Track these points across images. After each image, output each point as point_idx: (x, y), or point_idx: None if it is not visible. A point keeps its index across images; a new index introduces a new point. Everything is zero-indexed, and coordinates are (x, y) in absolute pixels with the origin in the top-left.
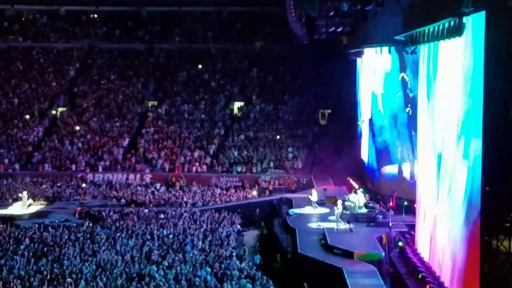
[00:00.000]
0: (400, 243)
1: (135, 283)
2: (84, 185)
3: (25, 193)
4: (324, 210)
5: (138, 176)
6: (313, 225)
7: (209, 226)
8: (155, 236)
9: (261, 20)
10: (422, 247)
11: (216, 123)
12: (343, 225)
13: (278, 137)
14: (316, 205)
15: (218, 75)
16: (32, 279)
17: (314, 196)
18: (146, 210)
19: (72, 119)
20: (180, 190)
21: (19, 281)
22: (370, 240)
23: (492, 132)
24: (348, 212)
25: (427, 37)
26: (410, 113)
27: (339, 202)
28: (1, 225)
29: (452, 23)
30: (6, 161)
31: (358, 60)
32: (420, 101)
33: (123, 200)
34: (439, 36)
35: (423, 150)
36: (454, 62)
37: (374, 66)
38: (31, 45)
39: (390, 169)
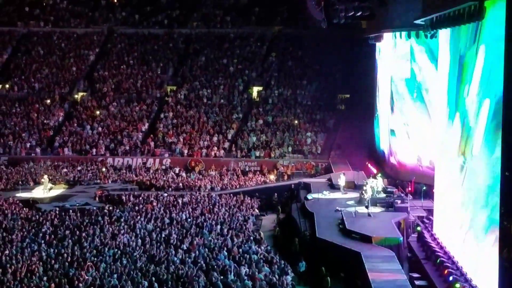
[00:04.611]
0: (418, 228)
1: (154, 266)
2: (104, 169)
3: (46, 176)
4: (353, 195)
5: (157, 160)
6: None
7: (227, 210)
8: (173, 220)
9: (279, 4)
10: (441, 232)
11: (235, 108)
12: (371, 210)
13: (296, 122)
14: (344, 190)
15: (237, 59)
16: (53, 261)
17: (342, 180)
18: (165, 194)
19: (92, 103)
20: (199, 174)
21: (40, 263)
22: (388, 225)
23: None
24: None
25: (447, 22)
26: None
27: (368, 186)
28: (23, 208)
29: (472, 7)
30: (28, 145)
31: (377, 44)
32: (441, 86)
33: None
34: (459, 21)
35: (445, 135)
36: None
37: (394, 50)
38: (52, 30)
39: (408, 155)
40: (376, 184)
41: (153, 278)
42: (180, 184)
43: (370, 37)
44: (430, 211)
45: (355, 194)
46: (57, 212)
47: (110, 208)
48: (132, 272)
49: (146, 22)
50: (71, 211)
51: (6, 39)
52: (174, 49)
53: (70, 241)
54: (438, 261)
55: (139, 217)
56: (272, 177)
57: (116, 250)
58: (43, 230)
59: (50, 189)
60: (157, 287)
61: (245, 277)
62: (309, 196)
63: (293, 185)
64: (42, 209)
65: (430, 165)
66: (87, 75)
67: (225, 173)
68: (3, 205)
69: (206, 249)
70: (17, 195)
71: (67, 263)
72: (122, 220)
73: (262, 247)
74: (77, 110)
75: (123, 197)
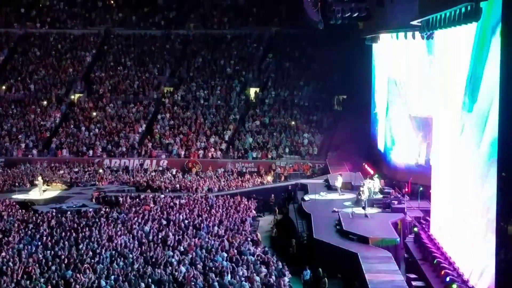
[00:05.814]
0: (415, 229)
1: (151, 268)
2: (101, 170)
3: (40, 178)
4: (350, 196)
5: (154, 161)
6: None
7: (224, 211)
8: (171, 221)
9: (277, 5)
10: (438, 233)
11: (232, 109)
12: (368, 211)
13: (293, 122)
14: (341, 191)
15: (234, 60)
16: (50, 263)
17: (339, 182)
18: (162, 196)
19: (89, 105)
20: (196, 176)
21: (37, 265)
22: (385, 226)
23: (509, 119)
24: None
25: (444, 22)
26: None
27: (365, 187)
28: (20, 210)
29: (469, 7)
30: (24, 146)
31: (374, 45)
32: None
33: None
34: (455, 21)
35: (444, 135)
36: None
37: (394, 51)
38: (48, 31)
39: (405, 155)
40: (373, 185)
41: (150, 280)
42: (177, 186)
43: (367, 38)
44: (427, 212)
45: (352, 195)
46: (54, 213)
47: (107, 209)
48: (129, 274)
49: (143, 23)
50: (68, 212)
51: (2, 40)
52: (171, 50)
53: (67, 242)
54: (435, 261)
55: (136, 218)
56: (269, 178)
57: (113, 251)
58: (40, 231)
59: (45, 190)
60: None
61: (242, 279)
62: (306, 197)
63: (290, 186)
64: (39, 211)
65: (426, 165)
66: (83, 77)
67: (222, 174)
68: (0, 206)
69: (203, 251)
70: (14, 196)
71: (64, 265)
72: (119, 221)
73: (259, 248)
74: (74, 111)
75: (120, 199)
